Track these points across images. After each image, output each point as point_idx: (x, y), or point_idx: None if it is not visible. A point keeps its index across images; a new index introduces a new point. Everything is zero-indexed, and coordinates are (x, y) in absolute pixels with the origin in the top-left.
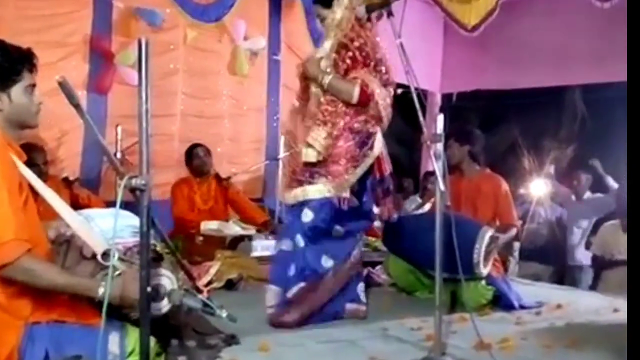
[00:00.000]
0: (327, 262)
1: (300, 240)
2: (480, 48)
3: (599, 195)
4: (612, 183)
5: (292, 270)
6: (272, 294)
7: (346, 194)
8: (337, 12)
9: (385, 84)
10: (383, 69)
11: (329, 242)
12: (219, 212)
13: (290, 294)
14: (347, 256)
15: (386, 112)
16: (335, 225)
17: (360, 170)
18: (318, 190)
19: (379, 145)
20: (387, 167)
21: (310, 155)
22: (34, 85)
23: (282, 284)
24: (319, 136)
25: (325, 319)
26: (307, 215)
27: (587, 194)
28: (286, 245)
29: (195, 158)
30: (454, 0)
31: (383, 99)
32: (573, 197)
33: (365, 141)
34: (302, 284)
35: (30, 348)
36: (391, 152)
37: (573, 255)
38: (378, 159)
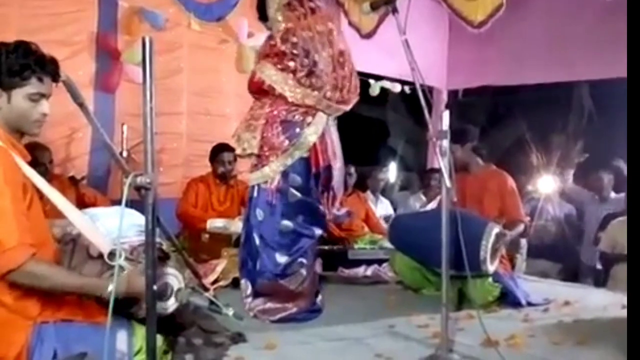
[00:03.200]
0: (281, 259)
1: (256, 239)
2: (486, 44)
3: (623, 195)
4: None
5: (256, 266)
6: (245, 286)
7: (271, 184)
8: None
9: (312, 86)
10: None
11: (280, 239)
12: (232, 213)
13: (257, 286)
14: (300, 254)
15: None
16: (282, 220)
17: (288, 160)
18: (252, 178)
19: (313, 135)
20: (323, 159)
21: (238, 150)
22: (43, 95)
23: (251, 277)
24: (243, 132)
25: (303, 318)
26: (260, 215)
27: (612, 195)
28: (251, 241)
29: (217, 163)
30: None
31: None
32: (597, 198)
33: (292, 132)
34: (265, 281)
35: (39, 347)
36: (399, 149)
37: (593, 255)
38: (315, 151)
